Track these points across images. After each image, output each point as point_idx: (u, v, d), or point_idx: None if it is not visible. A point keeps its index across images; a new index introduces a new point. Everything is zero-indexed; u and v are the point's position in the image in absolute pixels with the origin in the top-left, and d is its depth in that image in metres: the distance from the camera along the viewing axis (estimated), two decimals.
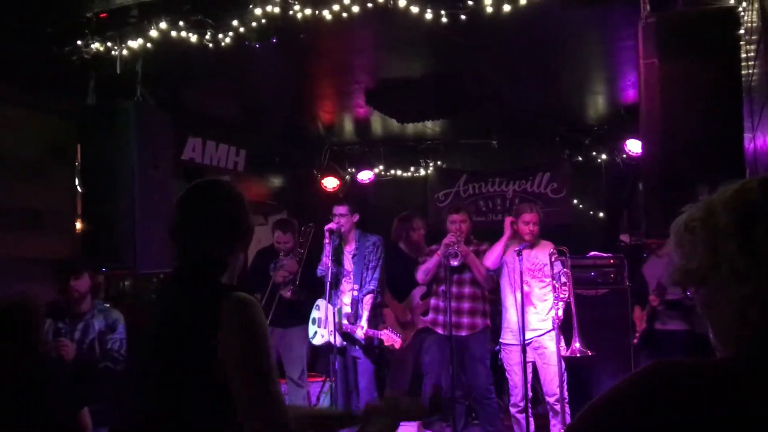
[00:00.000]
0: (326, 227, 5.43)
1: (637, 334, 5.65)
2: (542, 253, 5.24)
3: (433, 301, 5.47)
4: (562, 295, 5.03)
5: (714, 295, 1.05)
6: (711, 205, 1.07)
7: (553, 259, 5.13)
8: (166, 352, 1.77)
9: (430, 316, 5.50)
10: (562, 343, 5.02)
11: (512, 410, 5.24)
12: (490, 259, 5.29)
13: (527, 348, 5.06)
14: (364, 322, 5.35)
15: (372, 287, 5.44)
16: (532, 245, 5.28)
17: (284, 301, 5.65)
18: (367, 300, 5.42)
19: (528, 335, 5.08)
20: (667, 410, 0.95)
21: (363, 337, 5.35)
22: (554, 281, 5.09)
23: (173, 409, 1.73)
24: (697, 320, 5.35)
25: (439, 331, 5.41)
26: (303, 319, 5.75)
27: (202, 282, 1.83)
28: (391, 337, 5.30)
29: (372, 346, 5.45)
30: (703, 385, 0.97)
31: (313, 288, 5.65)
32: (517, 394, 5.20)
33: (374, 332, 5.35)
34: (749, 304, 1.00)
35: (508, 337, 5.26)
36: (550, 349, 5.07)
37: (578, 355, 4.86)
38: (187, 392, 1.72)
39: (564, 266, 5.10)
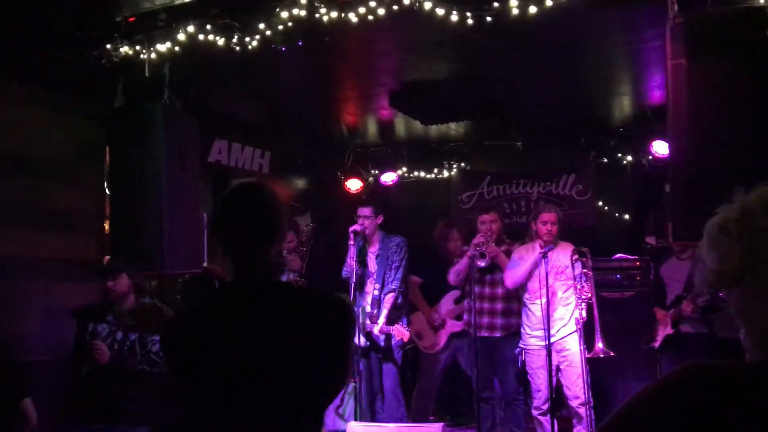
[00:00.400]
0: (350, 229, 5.45)
1: (659, 337, 5.58)
2: (564, 255, 5.20)
3: (466, 303, 5.45)
4: (584, 296, 4.98)
5: (750, 296, 1.05)
6: (747, 205, 1.06)
7: (574, 260, 5.09)
8: (267, 358, 1.78)
9: (465, 317, 5.48)
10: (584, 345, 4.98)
11: (534, 413, 5.21)
12: (511, 279, 5.27)
13: (552, 350, 5.04)
14: (381, 319, 5.35)
15: (393, 286, 5.44)
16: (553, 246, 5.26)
17: None
18: (388, 298, 5.43)
19: (554, 338, 5.07)
20: (702, 412, 0.94)
21: (379, 334, 5.35)
22: (576, 282, 5.05)
23: (279, 413, 1.76)
24: (719, 324, 5.29)
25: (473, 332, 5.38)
26: None
27: (279, 286, 1.93)
28: (400, 332, 5.29)
29: (392, 348, 5.45)
30: (737, 387, 0.96)
31: (318, 284, 5.63)
32: (540, 398, 5.17)
33: (387, 328, 5.34)
34: None
35: (531, 340, 5.23)
36: (573, 350, 5.04)
37: (601, 355, 4.83)
38: (291, 395, 1.76)
39: (585, 267, 5.05)
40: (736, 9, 3.58)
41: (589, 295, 4.98)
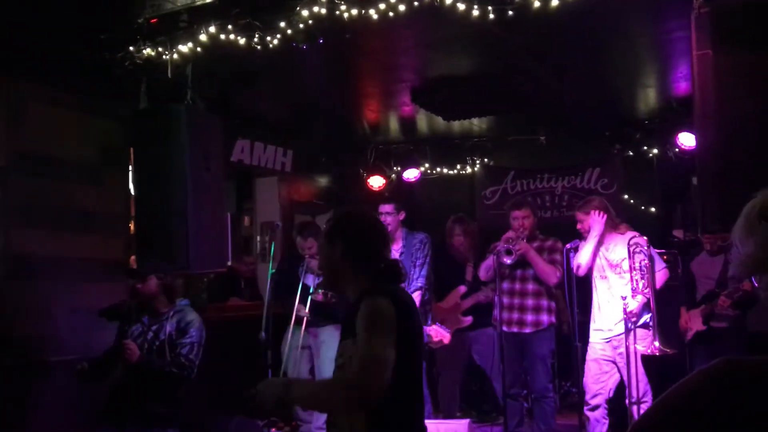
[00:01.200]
0: None
1: (689, 334, 5.50)
2: (621, 246, 5.06)
3: (495, 299, 5.42)
4: (645, 290, 4.82)
5: None
6: None
7: (632, 251, 4.92)
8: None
9: (495, 312, 5.44)
10: (641, 342, 4.84)
11: (584, 408, 5.16)
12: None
13: (608, 346, 5.02)
14: None
15: (420, 284, 5.42)
16: (602, 240, 5.13)
17: (318, 303, 5.54)
18: (415, 297, 5.41)
19: (607, 334, 5.01)
20: (733, 409, 0.92)
21: None
22: (633, 273, 4.88)
23: None
24: (752, 319, 5.20)
25: (503, 328, 5.34)
26: (334, 318, 5.70)
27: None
28: (439, 333, 5.29)
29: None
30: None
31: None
32: (587, 393, 5.12)
33: (425, 329, 5.34)
34: None
35: (592, 334, 5.17)
36: (629, 348, 4.91)
37: (657, 354, 4.69)
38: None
39: (645, 257, 4.86)
40: None
41: (647, 288, 4.79)
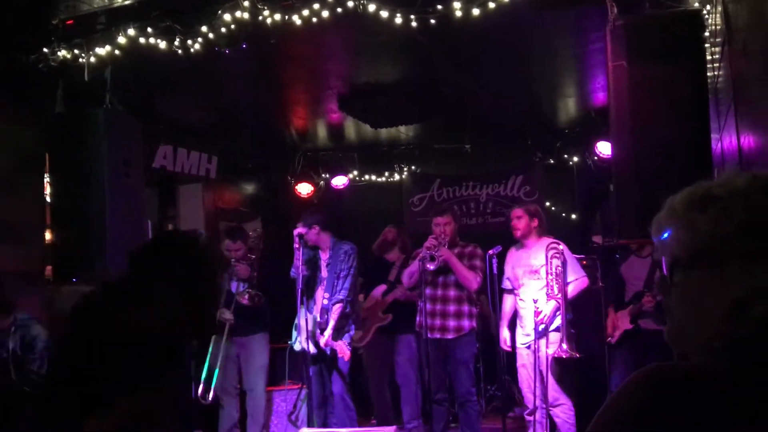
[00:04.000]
0: (295, 232, 5.39)
1: (616, 334, 5.67)
2: (537, 252, 5.14)
3: (419, 305, 5.43)
4: (554, 295, 4.90)
5: (710, 282, 1.00)
6: (735, 185, 1.02)
7: (550, 257, 5.00)
8: None
9: (417, 319, 5.46)
10: (552, 346, 4.92)
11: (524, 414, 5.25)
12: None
13: (524, 351, 5.09)
14: (327, 331, 5.32)
15: (341, 296, 5.39)
16: (521, 245, 5.24)
17: (243, 308, 5.43)
18: (335, 309, 5.37)
19: (527, 339, 5.09)
20: (667, 417, 0.92)
21: (324, 346, 5.33)
22: (548, 277, 4.96)
23: None
24: None
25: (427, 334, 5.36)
26: (264, 326, 5.61)
27: None
28: (342, 349, 5.29)
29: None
30: (701, 389, 0.93)
31: (270, 294, 5.52)
32: (524, 398, 5.21)
33: (331, 343, 5.31)
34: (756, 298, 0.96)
35: (518, 340, 5.24)
36: (540, 351, 5.01)
37: (565, 356, 4.80)
38: None
39: (559, 261, 4.94)
40: (672, 12, 3.69)
41: (558, 294, 4.89)
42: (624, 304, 5.70)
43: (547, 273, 4.99)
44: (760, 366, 0.93)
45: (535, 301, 4.99)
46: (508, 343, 5.31)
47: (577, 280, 5.05)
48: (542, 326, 4.95)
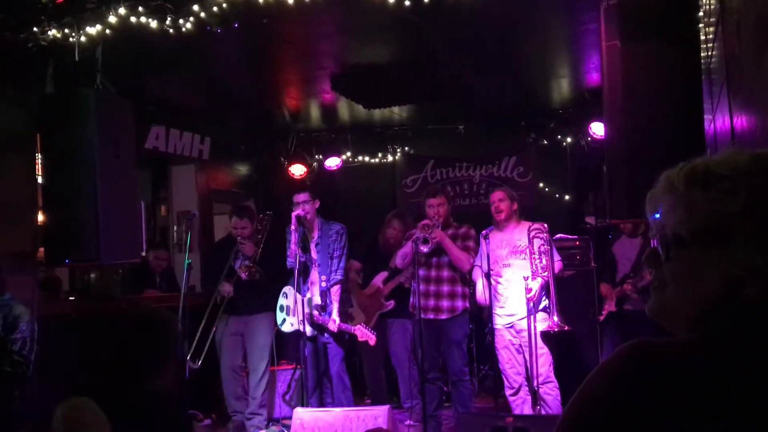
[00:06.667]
0: (294, 213, 5.38)
1: (604, 312, 5.73)
2: (520, 233, 5.20)
3: (413, 286, 5.45)
4: (543, 273, 4.98)
5: (705, 260, 0.99)
6: (739, 163, 1.00)
7: (532, 237, 5.07)
8: None
9: (411, 299, 5.48)
10: (541, 323, 4.99)
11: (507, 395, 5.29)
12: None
13: (511, 330, 5.13)
14: (335, 316, 5.35)
15: (339, 277, 5.43)
16: (502, 227, 5.28)
17: (245, 286, 5.48)
18: (335, 291, 5.42)
19: (510, 319, 5.13)
20: (647, 397, 0.91)
21: (336, 330, 5.36)
22: (534, 258, 5.03)
23: None
24: None
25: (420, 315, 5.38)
26: (266, 306, 5.64)
27: None
28: (365, 334, 5.33)
29: (339, 334, 5.45)
30: (680, 367, 0.93)
31: (270, 274, 5.53)
32: (506, 379, 5.25)
33: (347, 327, 5.36)
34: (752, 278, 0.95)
35: (496, 320, 5.27)
36: (530, 328, 5.05)
37: (555, 329, 4.85)
38: None
39: (544, 242, 5.04)
40: None
41: (546, 272, 4.96)
42: (615, 283, 5.75)
43: (530, 252, 5.05)
44: (749, 345, 0.94)
45: (525, 279, 5.02)
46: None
47: (555, 262, 5.12)
48: (531, 304, 5.00)
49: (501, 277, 5.23)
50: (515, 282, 5.13)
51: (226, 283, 5.49)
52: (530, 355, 5.03)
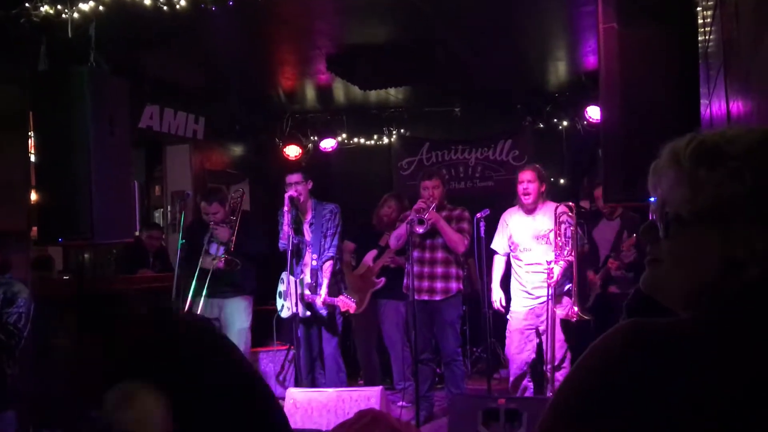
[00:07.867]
0: (287, 194, 5.36)
1: (591, 298, 5.75)
2: (545, 215, 5.10)
3: (407, 267, 5.45)
4: (568, 256, 4.86)
5: (704, 241, 0.98)
6: (750, 144, 0.98)
7: (560, 220, 4.91)
8: None
9: (405, 281, 5.49)
10: (560, 308, 4.96)
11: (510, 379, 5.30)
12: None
13: (531, 314, 5.12)
14: (323, 290, 5.34)
15: (331, 254, 5.43)
16: (527, 210, 5.17)
17: (219, 272, 5.33)
18: (327, 267, 5.41)
19: (530, 302, 5.12)
20: (649, 369, 0.91)
21: (322, 305, 5.34)
22: (558, 239, 4.89)
23: None
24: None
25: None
26: (241, 290, 5.54)
27: None
28: (346, 303, 5.30)
29: (333, 314, 5.46)
30: (677, 348, 0.91)
31: (250, 257, 5.45)
32: (512, 363, 5.25)
33: (331, 299, 5.34)
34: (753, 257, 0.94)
35: (514, 304, 5.25)
36: (551, 313, 4.99)
37: (575, 319, 4.75)
38: None
39: (570, 224, 4.88)
40: None
41: (569, 254, 4.84)
42: (598, 268, 5.77)
43: (556, 235, 4.93)
44: (745, 325, 0.93)
45: (548, 263, 4.93)
46: (503, 303, 5.31)
47: (579, 247, 5.06)
48: (551, 289, 4.94)
49: (521, 261, 5.18)
50: (537, 266, 5.07)
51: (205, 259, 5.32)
52: (548, 339, 4.99)
